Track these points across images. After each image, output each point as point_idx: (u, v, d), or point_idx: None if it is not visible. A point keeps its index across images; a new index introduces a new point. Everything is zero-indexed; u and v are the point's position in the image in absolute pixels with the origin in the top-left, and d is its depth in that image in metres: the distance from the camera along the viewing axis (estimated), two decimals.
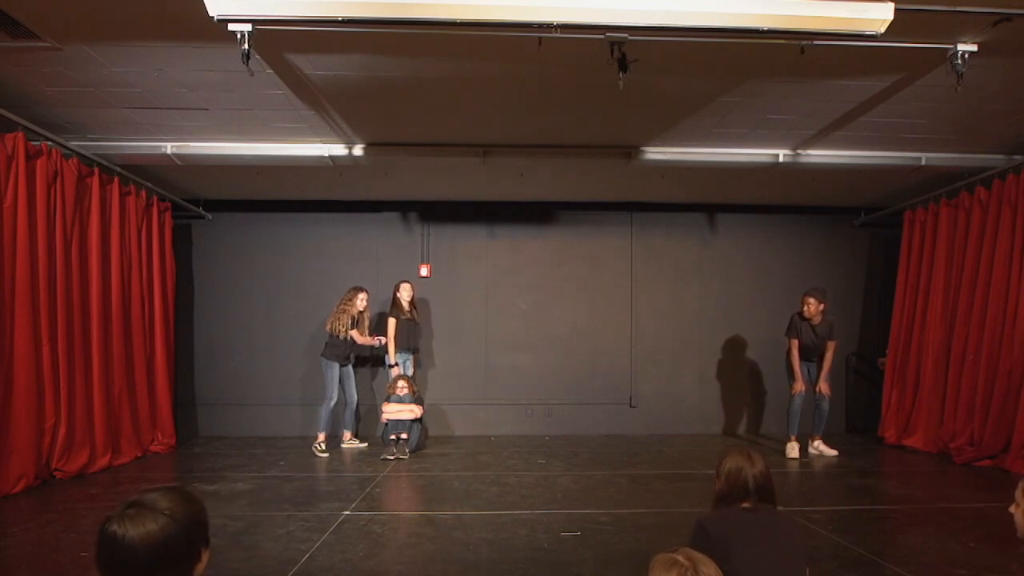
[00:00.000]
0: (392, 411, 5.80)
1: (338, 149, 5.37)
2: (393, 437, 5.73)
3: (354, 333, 6.20)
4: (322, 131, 5.09)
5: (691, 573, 1.35)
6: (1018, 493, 1.92)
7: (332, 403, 6.11)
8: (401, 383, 5.98)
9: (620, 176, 6.14)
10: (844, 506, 4.03)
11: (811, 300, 5.75)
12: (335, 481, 4.78)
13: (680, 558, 1.39)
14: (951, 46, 3.52)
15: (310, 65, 3.94)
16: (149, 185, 6.09)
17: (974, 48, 3.51)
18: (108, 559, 1.13)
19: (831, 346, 5.84)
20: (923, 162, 5.48)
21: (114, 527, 1.14)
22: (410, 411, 5.80)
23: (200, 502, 1.25)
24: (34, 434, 4.45)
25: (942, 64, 3.67)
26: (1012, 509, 1.95)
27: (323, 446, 5.92)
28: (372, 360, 6.99)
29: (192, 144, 5.29)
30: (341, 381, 6.22)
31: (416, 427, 5.92)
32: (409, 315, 6.43)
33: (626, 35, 3.24)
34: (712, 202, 7.26)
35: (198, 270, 7.16)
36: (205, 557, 1.22)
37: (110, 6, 3.26)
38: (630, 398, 7.24)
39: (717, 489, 2.11)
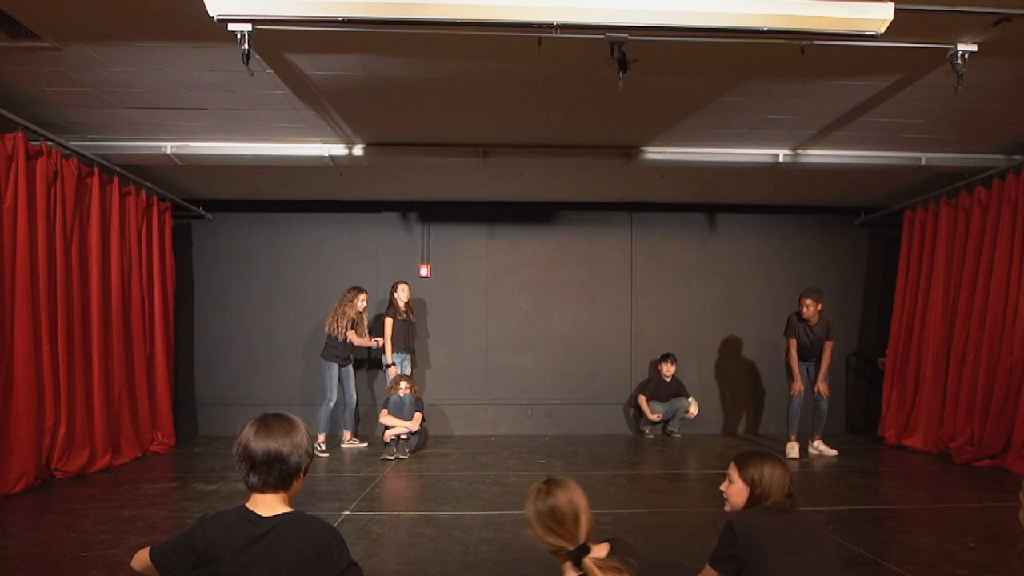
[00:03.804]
0: (390, 424, 5.79)
1: (338, 149, 5.37)
2: (393, 437, 5.73)
3: (351, 334, 6.19)
4: (322, 131, 5.09)
5: (543, 495, 1.56)
6: (1022, 495, 1.90)
7: (331, 404, 6.11)
8: (403, 383, 5.98)
9: (620, 176, 6.14)
10: (844, 506, 4.03)
11: (808, 301, 5.75)
12: (335, 481, 4.78)
13: (540, 484, 1.59)
14: (951, 46, 3.52)
15: (310, 65, 3.94)
16: (149, 185, 6.08)
17: (974, 48, 3.51)
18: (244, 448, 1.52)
19: (829, 346, 5.84)
20: (923, 162, 5.47)
21: (252, 429, 1.51)
22: (405, 427, 5.79)
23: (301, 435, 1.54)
24: (34, 434, 4.45)
25: (942, 64, 3.67)
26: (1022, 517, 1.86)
27: (323, 446, 5.92)
28: (370, 361, 6.99)
29: (192, 144, 5.29)
30: (340, 381, 6.21)
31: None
32: (406, 316, 6.43)
33: (626, 35, 3.24)
34: (712, 202, 7.26)
35: (198, 270, 7.16)
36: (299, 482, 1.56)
37: (110, 6, 3.26)
38: (630, 398, 7.24)
39: (753, 496, 1.94)
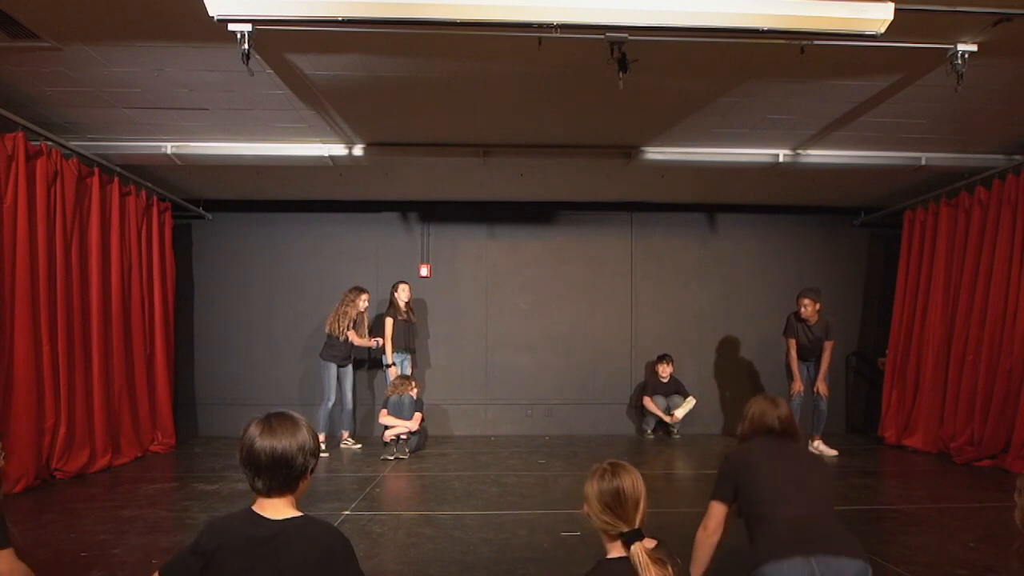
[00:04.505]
0: (390, 424, 5.79)
1: (338, 149, 5.37)
2: (393, 437, 5.73)
3: (351, 334, 6.19)
4: (322, 131, 5.09)
5: (608, 475, 1.61)
6: (1017, 495, 1.91)
7: (330, 404, 6.10)
8: (404, 383, 5.98)
9: (620, 176, 6.14)
10: (844, 506, 4.03)
11: (806, 301, 5.75)
12: (335, 481, 4.78)
13: (605, 465, 1.65)
14: (951, 46, 3.52)
15: (310, 65, 3.94)
16: (149, 185, 6.08)
17: (974, 48, 3.51)
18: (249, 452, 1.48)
19: (828, 346, 5.83)
20: (923, 162, 5.47)
21: (256, 430, 1.47)
22: (406, 427, 5.79)
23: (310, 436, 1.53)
24: (34, 434, 4.45)
25: (942, 64, 3.67)
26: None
27: (323, 446, 5.91)
28: (370, 361, 6.99)
29: (192, 144, 5.29)
30: (339, 382, 6.21)
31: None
32: (406, 316, 6.43)
33: (626, 35, 3.24)
34: (712, 202, 7.26)
35: (198, 270, 7.16)
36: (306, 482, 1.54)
37: (110, 6, 3.26)
38: (630, 398, 7.24)
39: (741, 432, 2.29)
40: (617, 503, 1.59)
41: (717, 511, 2.12)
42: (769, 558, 1.85)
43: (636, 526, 1.58)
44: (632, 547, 1.54)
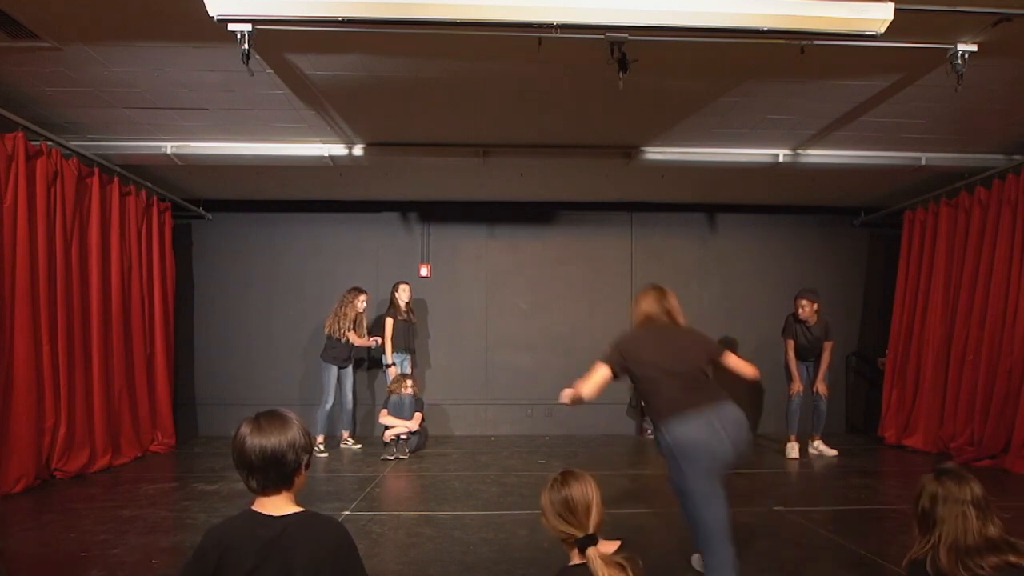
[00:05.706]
0: (390, 424, 5.80)
1: (338, 149, 5.37)
2: (393, 437, 5.73)
3: (351, 334, 6.18)
4: (322, 131, 5.09)
5: (558, 484, 1.68)
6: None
7: (328, 406, 6.09)
8: (405, 383, 5.98)
9: (620, 176, 6.14)
10: (844, 506, 4.03)
11: (803, 302, 5.74)
12: (335, 481, 4.78)
13: (556, 475, 1.72)
14: (951, 46, 3.52)
15: (310, 65, 3.94)
16: (149, 185, 6.08)
17: (974, 48, 3.51)
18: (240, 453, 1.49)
19: (828, 346, 5.83)
20: (923, 162, 5.47)
21: (246, 430, 1.49)
22: (406, 427, 5.79)
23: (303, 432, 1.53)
24: (34, 434, 4.45)
25: (942, 64, 3.67)
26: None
27: (322, 447, 5.91)
28: (370, 361, 6.99)
29: (192, 144, 5.29)
30: (339, 382, 6.20)
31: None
32: (406, 316, 6.42)
33: (626, 35, 3.24)
34: (712, 202, 7.25)
35: (198, 270, 7.16)
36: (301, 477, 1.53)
37: (110, 6, 3.26)
38: (630, 398, 7.23)
39: (633, 321, 2.78)
40: (567, 511, 1.62)
41: (600, 371, 2.56)
42: (670, 414, 2.40)
43: (590, 531, 1.60)
44: (587, 552, 1.56)
